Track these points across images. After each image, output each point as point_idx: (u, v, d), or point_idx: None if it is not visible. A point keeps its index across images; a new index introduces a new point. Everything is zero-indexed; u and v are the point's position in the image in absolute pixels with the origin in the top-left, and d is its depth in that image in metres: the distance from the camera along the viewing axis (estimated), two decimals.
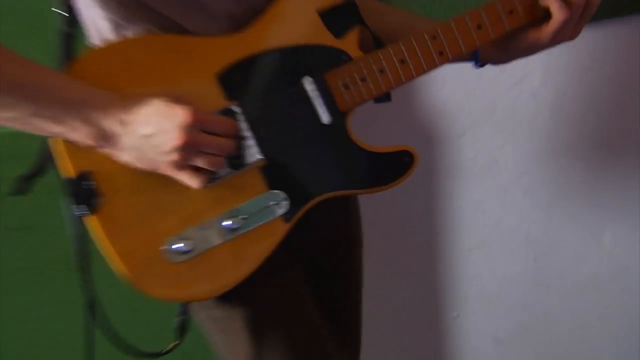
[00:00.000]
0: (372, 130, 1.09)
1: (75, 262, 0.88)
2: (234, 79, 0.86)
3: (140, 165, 0.82)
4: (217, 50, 0.86)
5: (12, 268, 1.32)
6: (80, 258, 0.87)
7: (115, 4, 0.83)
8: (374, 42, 0.98)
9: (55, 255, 1.32)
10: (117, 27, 0.84)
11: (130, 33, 0.85)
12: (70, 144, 0.81)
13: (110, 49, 0.84)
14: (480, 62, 1.02)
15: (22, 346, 1.40)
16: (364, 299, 1.18)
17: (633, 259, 1.67)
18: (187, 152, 0.79)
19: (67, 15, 0.89)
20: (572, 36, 0.94)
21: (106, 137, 0.79)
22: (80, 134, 0.78)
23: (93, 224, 0.82)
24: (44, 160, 0.89)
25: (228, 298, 0.90)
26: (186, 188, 0.84)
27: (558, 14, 0.88)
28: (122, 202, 0.83)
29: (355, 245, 1.13)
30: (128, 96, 0.80)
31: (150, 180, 0.83)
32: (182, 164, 0.80)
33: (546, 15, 0.92)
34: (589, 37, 1.40)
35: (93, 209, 0.81)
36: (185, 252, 0.84)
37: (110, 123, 0.78)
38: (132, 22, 0.84)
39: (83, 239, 0.86)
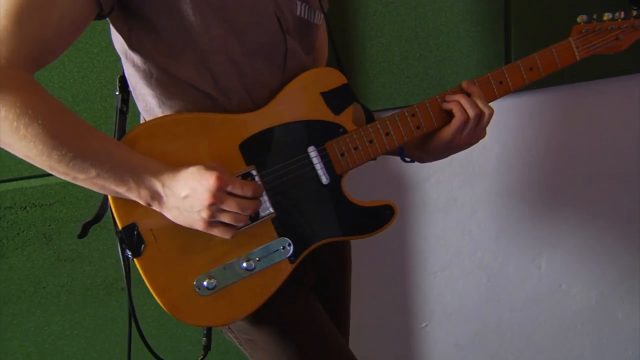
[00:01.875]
0: (359, 175, 1.14)
1: (128, 292, 0.94)
2: (252, 148, 0.92)
3: (181, 222, 0.86)
4: (238, 125, 0.92)
5: (58, 292, 1.36)
6: (128, 289, 0.94)
7: (159, 84, 0.91)
8: (365, 114, 1.06)
9: (95, 282, 1.38)
10: (160, 103, 0.92)
11: (169, 110, 0.92)
12: (117, 202, 0.86)
13: (155, 124, 0.90)
14: (406, 157, 1.10)
15: None
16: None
17: (564, 278, 1.76)
18: (214, 210, 0.83)
19: (124, 96, 0.99)
20: (471, 141, 1.02)
21: (154, 197, 0.84)
22: (135, 194, 0.83)
23: (138, 265, 0.88)
24: (102, 212, 0.96)
25: (250, 321, 0.97)
26: (210, 236, 0.88)
27: (459, 114, 0.99)
28: (159, 249, 0.88)
29: (347, 270, 1.19)
30: (172, 164, 0.85)
31: (181, 231, 0.88)
32: (212, 221, 0.85)
33: (449, 119, 1.00)
34: (525, 103, 1.57)
35: (136, 255, 0.87)
36: (210, 288, 0.89)
37: (157, 186, 0.83)
38: (171, 99, 0.92)
39: (129, 275, 0.92)
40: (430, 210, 1.60)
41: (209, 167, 0.84)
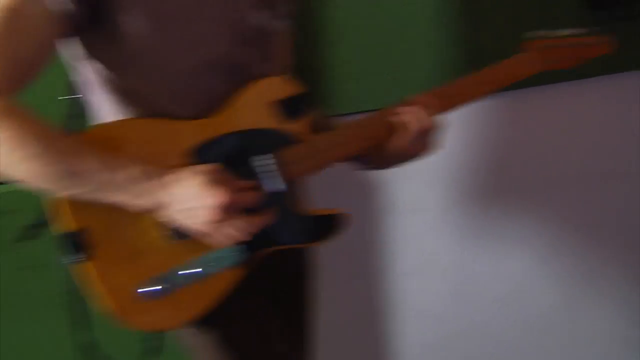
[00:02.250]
0: (326, 176, 1.10)
1: (71, 300, 0.95)
2: (201, 156, 0.90)
3: (188, 227, 0.86)
4: (188, 132, 0.91)
5: (16, 302, 1.34)
6: (75, 296, 0.94)
7: (111, 91, 0.91)
8: (321, 123, 1.05)
9: (54, 292, 1.28)
10: (113, 109, 0.92)
11: (122, 116, 0.91)
12: (74, 204, 0.84)
13: (105, 127, 0.90)
14: (362, 166, 1.09)
15: None
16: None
17: (533, 279, 1.76)
18: (219, 225, 0.85)
19: (77, 100, 0.98)
20: (420, 152, 1.02)
21: (160, 206, 0.84)
22: (141, 202, 0.83)
23: (88, 268, 0.86)
24: (48, 215, 0.91)
25: (197, 325, 0.96)
26: (162, 241, 0.88)
27: (403, 127, 0.98)
28: (110, 251, 0.87)
29: (308, 276, 1.16)
30: (173, 170, 0.84)
31: (128, 234, 0.88)
32: (217, 231, 0.86)
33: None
34: (485, 108, 1.57)
35: (88, 257, 0.86)
36: (158, 293, 0.88)
37: (160, 195, 0.83)
38: (125, 105, 0.91)
39: (75, 282, 0.90)
40: (398, 212, 1.60)
41: (215, 179, 0.84)
